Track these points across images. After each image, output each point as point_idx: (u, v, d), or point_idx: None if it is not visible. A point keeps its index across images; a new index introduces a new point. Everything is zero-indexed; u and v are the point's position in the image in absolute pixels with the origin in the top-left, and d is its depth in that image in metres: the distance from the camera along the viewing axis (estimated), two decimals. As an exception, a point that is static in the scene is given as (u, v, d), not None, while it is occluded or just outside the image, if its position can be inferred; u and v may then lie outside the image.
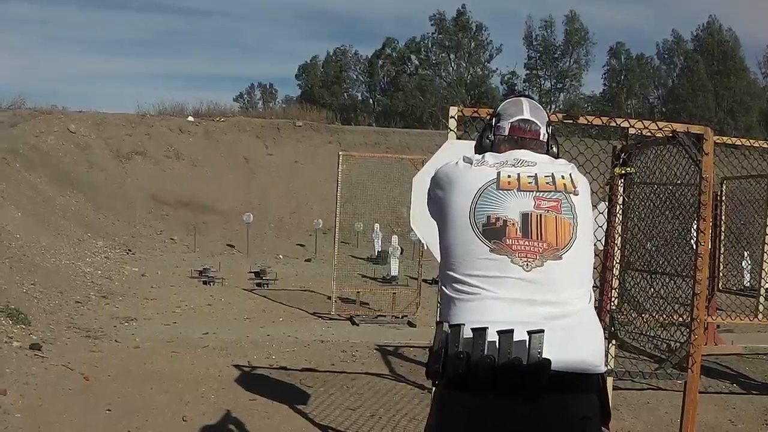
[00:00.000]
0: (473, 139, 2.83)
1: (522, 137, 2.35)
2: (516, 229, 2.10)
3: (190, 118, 28.01)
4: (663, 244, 4.92)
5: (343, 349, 8.50)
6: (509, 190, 2.16)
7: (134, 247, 18.55)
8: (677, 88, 59.14)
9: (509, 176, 2.19)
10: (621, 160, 5.06)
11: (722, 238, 9.03)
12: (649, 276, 4.92)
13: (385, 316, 11.07)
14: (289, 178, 25.70)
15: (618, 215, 4.92)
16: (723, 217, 9.00)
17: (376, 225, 20.10)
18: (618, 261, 4.96)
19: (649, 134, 4.79)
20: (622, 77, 61.70)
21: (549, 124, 2.44)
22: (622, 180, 5.02)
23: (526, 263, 2.06)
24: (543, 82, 62.64)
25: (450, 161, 2.35)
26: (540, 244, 2.09)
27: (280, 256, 20.49)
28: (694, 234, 4.78)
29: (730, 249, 9.35)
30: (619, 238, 4.93)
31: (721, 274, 9.10)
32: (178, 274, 14.80)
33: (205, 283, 14.10)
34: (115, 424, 5.36)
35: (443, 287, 2.18)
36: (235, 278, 14.80)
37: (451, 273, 2.15)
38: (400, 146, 23.03)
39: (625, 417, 5.91)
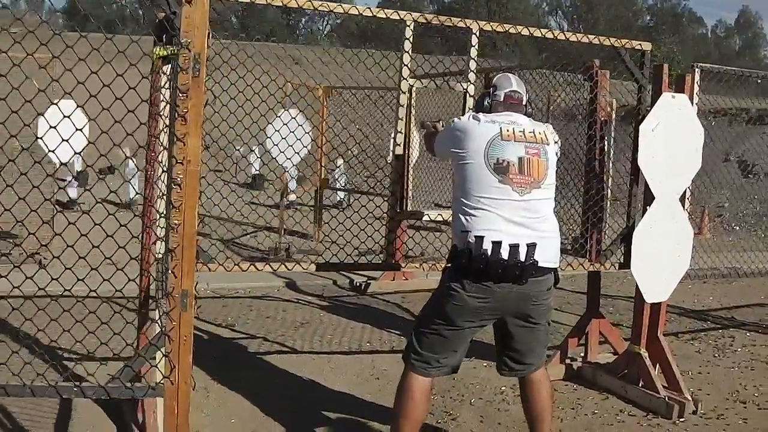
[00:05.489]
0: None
1: (512, 102, 3.60)
2: (515, 168, 3.35)
3: None
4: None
5: None
6: (508, 140, 3.39)
7: None
8: (452, 3, 60.37)
9: (508, 131, 3.42)
10: (163, 38, 3.86)
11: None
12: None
13: None
14: None
15: (162, 109, 3.75)
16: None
17: None
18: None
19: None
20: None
21: (526, 91, 3.69)
22: (167, 65, 3.83)
23: (520, 191, 3.35)
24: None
25: (464, 118, 3.55)
26: (528, 178, 3.37)
27: None
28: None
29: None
30: (165, 135, 3.75)
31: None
32: None
33: None
34: None
35: (462, 205, 3.37)
36: None
37: (469, 194, 3.36)
38: None
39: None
